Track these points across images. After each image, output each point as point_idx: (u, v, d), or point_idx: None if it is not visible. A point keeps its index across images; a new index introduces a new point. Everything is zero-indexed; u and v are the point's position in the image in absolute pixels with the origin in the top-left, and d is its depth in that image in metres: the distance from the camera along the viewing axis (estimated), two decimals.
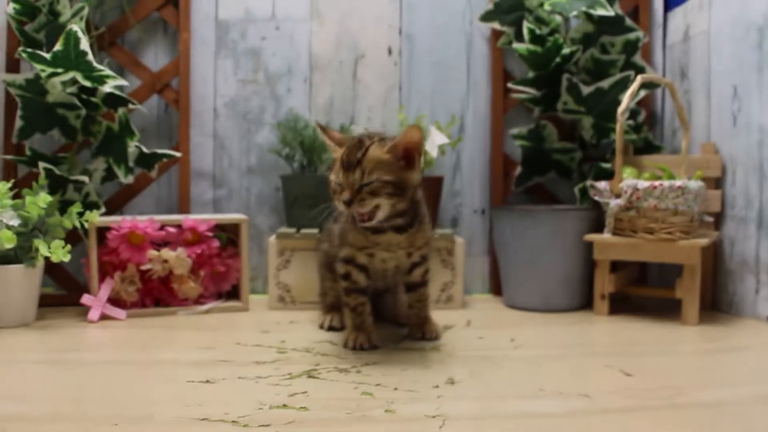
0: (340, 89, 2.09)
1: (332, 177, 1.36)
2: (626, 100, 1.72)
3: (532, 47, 1.91)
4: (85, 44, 1.65)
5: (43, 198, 1.62)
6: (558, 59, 1.89)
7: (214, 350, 1.43)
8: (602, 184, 1.78)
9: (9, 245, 1.55)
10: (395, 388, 1.18)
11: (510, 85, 1.99)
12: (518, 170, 2.07)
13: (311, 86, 2.08)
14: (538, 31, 1.91)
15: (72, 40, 1.63)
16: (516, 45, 1.92)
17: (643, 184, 1.70)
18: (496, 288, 2.10)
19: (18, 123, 1.81)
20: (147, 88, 1.98)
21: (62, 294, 1.91)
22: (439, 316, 1.69)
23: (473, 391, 1.18)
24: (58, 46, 1.64)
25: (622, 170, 1.77)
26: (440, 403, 1.11)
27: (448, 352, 1.44)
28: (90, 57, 1.67)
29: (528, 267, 1.86)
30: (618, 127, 1.72)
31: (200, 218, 1.79)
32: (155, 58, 2.03)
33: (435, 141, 1.84)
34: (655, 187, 1.68)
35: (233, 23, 2.06)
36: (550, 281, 1.85)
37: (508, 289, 1.93)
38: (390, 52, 2.10)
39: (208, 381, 1.21)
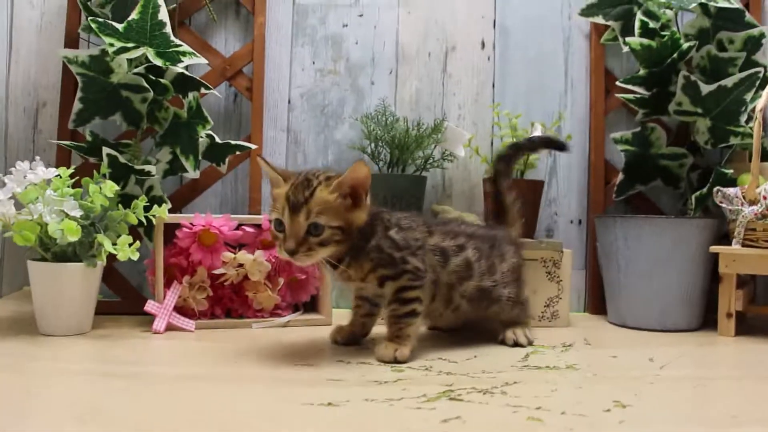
0: (428, 83, 1.90)
1: (273, 216, 1.23)
2: (766, 97, 1.54)
3: (646, 42, 1.72)
4: (164, 14, 1.47)
5: (110, 186, 1.41)
6: (675, 56, 1.71)
7: (314, 367, 1.21)
8: (732, 190, 1.59)
9: (72, 238, 1.34)
10: (562, 413, 0.98)
11: (618, 83, 1.79)
12: (619, 177, 1.88)
13: (397, 79, 1.89)
14: (651, 25, 1.73)
15: (151, 7, 1.45)
16: (629, 39, 1.73)
17: None
18: (594, 305, 1.90)
19: (76, 106, 1.61)
20: (217, 75, 1.78)
21: (114, 301, 1.69)
22: (546, 335, 1.55)
23: (655, 416, 0.99)
24: (133, 15, 1.45)
25: (744, 177, 1.58)
26: (630, 430, 0.92)
27: (589, 371, 1.24)
28: (168, 29, 1.47)
29: (644, 281, 1.65)
30: (756, 126, 1.53)
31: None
32: (225, 43, 1.85)
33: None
34: None
35: (312, 8, 1.88)
36: (669, 297, 1.64)
37: (617, 305, 1.72)
38: (483, 45, 1.92)
39: (330, 404, 0.99)
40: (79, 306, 1.41)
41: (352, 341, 1.42)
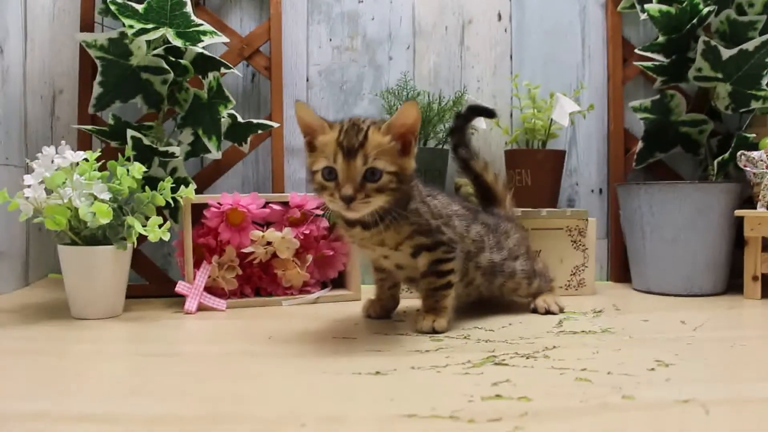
0: (446, 57, 1.90)
1: (320, 165, 1.13)
2: None
3: (665, 8, 1.72)
4: None
5: (138, 168, 1.41)
6: (694, 21, 1.70)
7: (352, 340, 1.21)
8: (757, 154, 1.59)
9: (104, 220, 1.34)
10: (608, 372, 0.98)
11: (637, 51, 1.79)
12: (639, 145, 1.87)
13: (415, 54, 1.88)
14: None
15: None
16: (648, 6, 1.73)
17: None
18: (616, 273, 1.92)
19: (96, 89, 1.60)
20: (234, 54, 1.77)
21: (141, 284, 1.68)
22: (573, 302, 1.57)
23: (700, 374, 0.99)
24: None
25: (766, 140, 1.58)
26: (677, 387, 0.92)
27: (624, 334, 1.25)
28: (189, 9, 1.46)
29: (669, 247, 1.66)
30: None
31: (310, 195, 1.57)
32: (240, 23, 1.84)
33: (565, 108, 1.65)
34: None
35: None
36: (695, 262, 1.65)
37: (641, 272, 1.73)
38: (500, 17, 1.91)
39: (378, 372, 0.99)
40: (111, 289, 1.41)
41: (385, 314, 1.42)
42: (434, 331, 1.24)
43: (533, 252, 1.52)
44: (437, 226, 1.24)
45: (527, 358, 1.08)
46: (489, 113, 1.53)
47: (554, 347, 1.14)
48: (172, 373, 1.01)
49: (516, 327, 1.32)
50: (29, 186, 1.35)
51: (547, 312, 1.44)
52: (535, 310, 1.46)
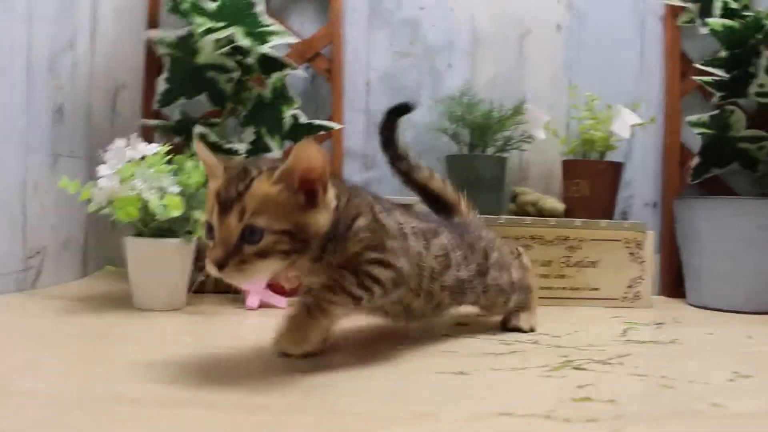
0: (505, 66, 1.91)
1: (202, 219, 1.01)
2: None
3: (728, 22, 1.72)
4: None
5: None
6: (759, 35, 1.70)
7: (424, 340, 1.20)
8: None
9: (176, 213, 1.35)
10: (689, 381, 0.99)
11: (698, 65, 1.79)
12: (695, 160, 1.87)
13: (474, 62, 1.89)
14: (733, 5, 1.72)
15: None
16: (711, 21, 1.73)
17: None
18: (668, 288, 1.91)
19: (161, 86, 1.62)
20: (296, 56, 1.79)
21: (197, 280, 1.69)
22: (630, 315, 1.56)
23: None
24: None
25: None
26: (764, 398, 0.93)
27: (693, 346, 1.26)
28: (260, 9, 1.48)
29: (727, 263, 1.66)
30: None
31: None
32: (301, 25, 1.86)
33: (626, 120, 1.65)
34: None
35: None
36: (755, 279, 1.65)
37: (697, 287, 1.73)
38: (559, 28, 1.92)
39: (461, 372, 1.00)
40: (175, 282, 1.43)
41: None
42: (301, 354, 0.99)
43: (509, 257, 1.32)
44: (392, 247, 1.00)
45: (603, 363, 1.08)
46: (406, 108, 1.34)
47: (626, 355, 1.14)
48: (253, 364, 1.02)
49: (581, 335, 1.33)
50: (103, 176, 1.36)
51: (516, 328, 1.32)
52: (504, 324, 1.34)
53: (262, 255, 0.87)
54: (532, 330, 1.32)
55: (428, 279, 1.09)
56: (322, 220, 0.92)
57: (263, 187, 0.88)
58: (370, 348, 1.16)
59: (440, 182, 1.34)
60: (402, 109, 1.33)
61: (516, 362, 1.07)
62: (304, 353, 1.00)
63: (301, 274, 1.02)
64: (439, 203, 1.34)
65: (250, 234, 0.87)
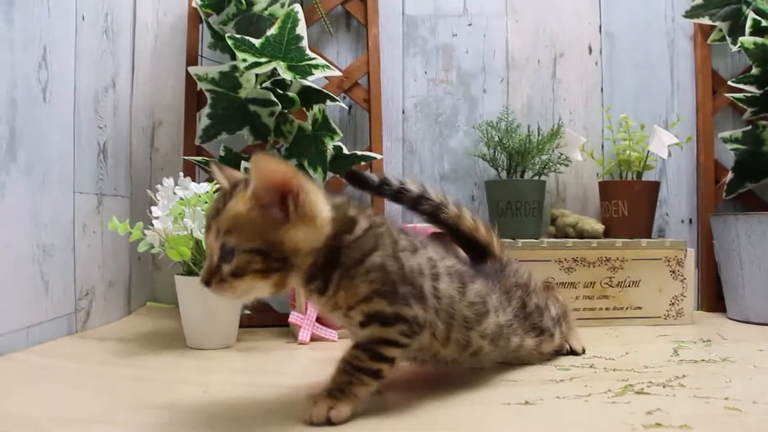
0: (539, 89, 1.94)
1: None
2: None
3: (759, 40, 1.73)
4: (302, 28, 1.50)
5: None
6: None
7: (483, 371, 1.19)
8: None
9: None
10: (753, 402, 0.99)
11: (730, 83, 1.81)
12: (729, 176, 1.88)
13: (508, 86, 1.91)
14: (764, 23, 1.74)
15: (290, 22, 1.49)
16: (742, 39, 1.75)
17: None
18: (708, 303, 1.92)
19: (204, 122, 1.64)
20: (334, 87, 1.82)
21: (246, 315, 1.71)
22: (674, 332, 1.58)
23: None
24: (272, 30, 1.49)
25: None
26: None
27: (747, 363, 1.26)
28: (304, 43, 1.50)
29: None
30: None
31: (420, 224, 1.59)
32: (337, 55, 1.89)
33: (663, 140, 1.67)
34: None
35: (422, 19, 1.93)
36: None
37: (739, 301, 1.74)
38: (591, 50, 1.94)
39: (527, 402, 1.01)
40: (226, 319, 1.44)
41: None
42: (329, 422, 0.87)
43: (543, 295, 1.26)
44: (405, 294, 0.92)
45: (663, 386, 1.09)
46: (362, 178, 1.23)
47: (684, 376, 1.15)
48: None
49: (634, 356, 1.34)
50: (157, 217, 1.38)
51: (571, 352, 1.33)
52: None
53: (236, 274, 0.85)
54: (583, 351, 1.34)
55: (461, 327, 1.02)
56: (300, 235, 0.86)
57: (235, 205, 0.86)
58: (419, 380, 1.16)
59: (471, 221, 1.25)
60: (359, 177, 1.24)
61: (579, 389, 1.08)
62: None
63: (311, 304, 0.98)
64: (470, 244, 1.26)
65: (224, 253, 0.86)
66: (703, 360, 1.29)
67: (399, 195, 1.19)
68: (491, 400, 1.02)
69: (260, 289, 0.88)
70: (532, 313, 1.19)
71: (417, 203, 1.20)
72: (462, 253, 1.23)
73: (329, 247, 0.89)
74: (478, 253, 1.24)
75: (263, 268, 0.85)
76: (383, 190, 1.18)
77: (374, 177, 1.19)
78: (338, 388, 0.90)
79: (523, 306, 1.17)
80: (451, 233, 1.25)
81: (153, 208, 1.40)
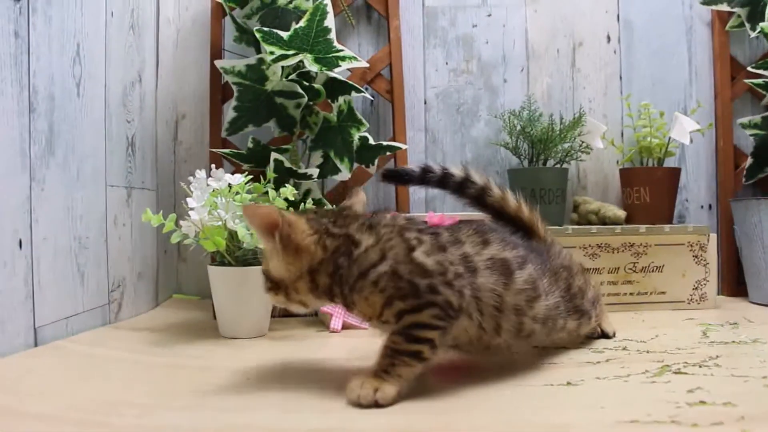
0: (558, 79, 1.96)
1: None
2: None
3: None
4: (330, 20, 1.51)
5: (290, 190, 1.46)
6: None
7: (518, 354, 1.21)
8: None
9: None
10: None
11: (750, 68, 1.83)
12: (748, 161, 1.90)
13: (528, 75, 1.93)
14: None
15: (319, 14, 1.50)
16: (763, 24, 1.76)
17: None
18: (728, 287, 1.94)
19: (230, 114, 1.66)
20: (357, 78, 1.84)
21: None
22: (700, 316, 1.60)
23: None
24: (301, 23, 1.50)
25: None
26: None
27: None
28: (332, 35, 1.52)
29: None
30: None
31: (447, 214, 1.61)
32: (358, 47, 1.91)
33: (685, 127, 1.68)
34: None
35: (442, 10, 1.95)
36: None
37: (761, 285, 1.76)
38: (609, 39, 1.96)
39: (569, 383, 1.04)
40: (259, 308, 1.46)
41: None
42: (376, 404, 0.89)
43: (582, 278, 1.26)
44: (429, 285, 0.93)
45: (700, 366, 1.11)
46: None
47: (717, 356, 1.18)
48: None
49: (664, 338, 1.35)
50: (193, 208, 1.40)
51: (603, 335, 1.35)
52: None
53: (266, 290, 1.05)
54: (614, 334, 1.36)
55: (510, 315, 1.03)
56: (271, 264, 1.02)
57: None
58: (464, 367, 1.17)
59: (515, 202, 1.25)
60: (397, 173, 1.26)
61: (617, 370, 1.10)
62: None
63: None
64: (515, 226, 1.23)
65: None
66: (733, 342, 1.31)
67: (443, 181, 1.20)
68: (534, 383, 1.04)
69: (280, 303, 1.05)
70: (576, 295, 1.19)
71: (462, 187, 1.21)
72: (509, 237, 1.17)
73: (332, 266, 0.98)
74: (523, 234, 1.23)
75: (268, 286, 1.04)
76: (428, 178, 1.19)
77: (414, 168, 1.20)
78: (383, 370, 0.93)
79: (568, 288, 1.17)
80: (496, 216, 1.25)
81: (188, 200, 1.42)
